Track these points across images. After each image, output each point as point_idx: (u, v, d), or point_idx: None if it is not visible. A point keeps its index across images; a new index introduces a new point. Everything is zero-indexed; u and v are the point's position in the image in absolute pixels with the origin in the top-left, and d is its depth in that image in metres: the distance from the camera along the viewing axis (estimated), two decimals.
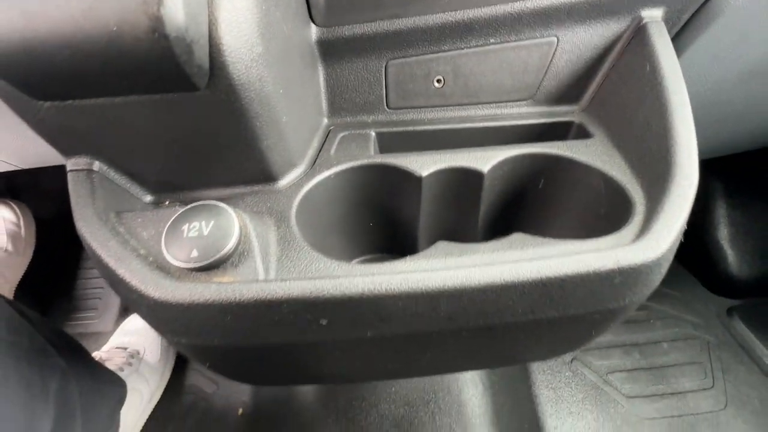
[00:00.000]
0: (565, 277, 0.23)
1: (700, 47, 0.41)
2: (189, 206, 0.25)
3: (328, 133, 0.41)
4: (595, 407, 0.76)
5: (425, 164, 0.35)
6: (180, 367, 0.86)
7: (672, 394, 0.79)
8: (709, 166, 0.98)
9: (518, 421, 0.70)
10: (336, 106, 0.42)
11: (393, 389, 0.65)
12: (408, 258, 0.25)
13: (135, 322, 0.85)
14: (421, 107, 0.42)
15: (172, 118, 0.25)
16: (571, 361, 0.83)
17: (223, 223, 0.24)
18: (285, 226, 0.28)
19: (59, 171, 1.05)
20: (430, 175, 0.35)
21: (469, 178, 0.36)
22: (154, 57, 0.20)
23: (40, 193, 0.97)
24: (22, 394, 0.40)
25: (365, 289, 0.22)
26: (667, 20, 0.37)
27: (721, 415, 0.75)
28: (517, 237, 0.26)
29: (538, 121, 0.42)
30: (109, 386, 0.62)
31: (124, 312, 0.93)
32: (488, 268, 0.23)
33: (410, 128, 0.41)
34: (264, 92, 0.26)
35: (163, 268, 0.23)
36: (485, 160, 0.35)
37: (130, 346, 0.79)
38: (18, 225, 0.88)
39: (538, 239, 0.26)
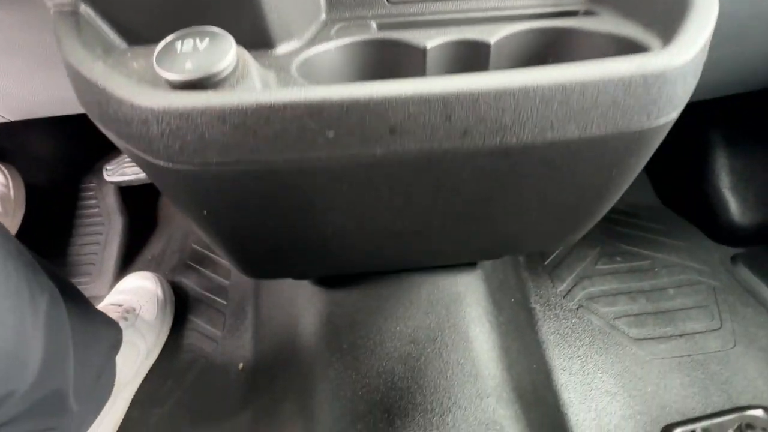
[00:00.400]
0: (586, 82, 0.21)
1: None
2: (183, 29, 0.23)
3: (326, 24, 0.39)
4: (603, 350, 0.75)
5: (429, 37, 0.34)
6: (178, 327, 0.84)
7: (680, 335, 0.78)
8: (708, 116, 0.98)
9: (526, 361, 0.68)
10: (334, 1, 0.41)
11: (398, 328, 0.64)
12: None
13: (131, 281, 0.83)
14: (422, 1, 0.41)
15: None
16: (577, 309, 0.82)
17: (219, 42, 0.22)
18: (285, 73, 0.27)
19: (48, 135, 1.02)
20: (435, 48, 0.34)
21: (475, 52, 0.34)
22: None
23: (29, 159, 0.95)
24: (10, 297, 0.38)
25: (374, 92, 0.21)
26: None
27: (731, 354, 0.74)
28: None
29: (544, 10, 0.40)
30: (104, 327, 0.60)
31: (119, 275, 0.91)
32: (506, 74, 0.21)
33: (412, 19, 0.40)
34: None
35: (155, 85, 0.22)
36: (492, 32, 0.34)
37: (125, 303, 0.77)
38: (6, 186, 0.85)
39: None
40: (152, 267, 0.94)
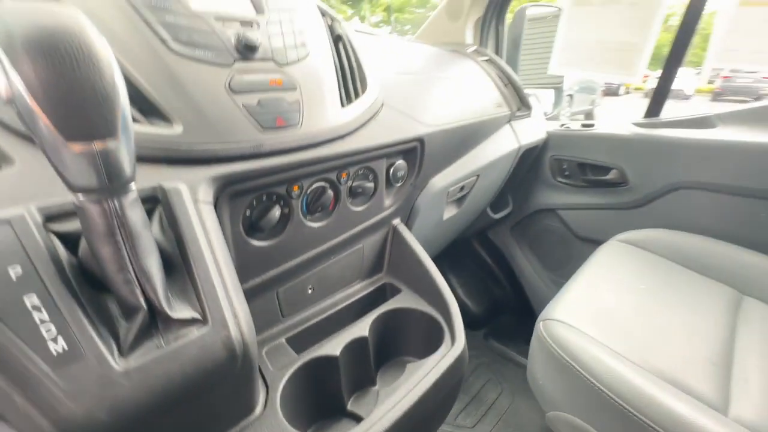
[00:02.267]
0: (423, 394, 0.50)
1: (421, 224, 0.83)
2: None
3: None
4: None
5: (334, 347, 0.56)
6: None
7: (489, 408, 1.17)
8: (439, 258, 1.57)
9: None
10: None
11: None
12: None
13: None
14: (304, 309, 0.64)
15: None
16: None
17: None
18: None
19: None
20: (341, 352, 0.56)
21: (360, 341, 0.59)
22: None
23: None
24: None
25: None
26: (404, 221, 0.76)
27: (516, 407, 1.18)
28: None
29: (368, 291, 0.71)
30: None
31: None
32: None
33: (300, 328, 0.61)
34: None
35: None
36: (363, 328, 0.60)
37: None
38: None
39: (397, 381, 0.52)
40: None
